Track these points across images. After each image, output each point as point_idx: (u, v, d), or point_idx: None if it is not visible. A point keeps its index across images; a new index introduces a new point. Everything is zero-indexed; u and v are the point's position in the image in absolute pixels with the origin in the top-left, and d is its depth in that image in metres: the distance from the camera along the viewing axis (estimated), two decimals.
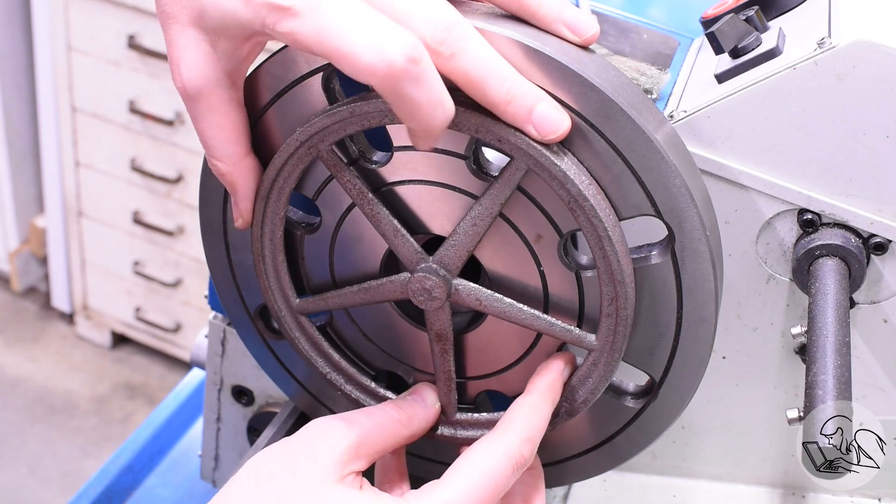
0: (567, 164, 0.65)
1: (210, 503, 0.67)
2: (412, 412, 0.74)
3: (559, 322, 0.71)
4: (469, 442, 0.77)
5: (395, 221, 0.71)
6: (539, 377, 0.72)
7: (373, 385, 0.79)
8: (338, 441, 0.69)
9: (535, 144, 0.64)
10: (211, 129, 0.69)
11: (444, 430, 0.77)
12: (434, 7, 0.61)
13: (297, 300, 0.77)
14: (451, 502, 0.66)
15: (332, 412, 0.83)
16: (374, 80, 0.60)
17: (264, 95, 0.71)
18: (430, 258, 0.71)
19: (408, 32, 0.60)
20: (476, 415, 0.77)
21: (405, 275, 0.72)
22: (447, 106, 0.62)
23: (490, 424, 0.76)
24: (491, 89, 0.62)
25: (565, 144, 0.65)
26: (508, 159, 0.66)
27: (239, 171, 0.71)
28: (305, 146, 0.70)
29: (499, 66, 0.62)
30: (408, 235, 0.71)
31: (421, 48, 0.60)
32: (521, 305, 0.71)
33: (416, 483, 0.79)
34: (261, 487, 0.67)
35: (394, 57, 0.59)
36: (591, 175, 0.66)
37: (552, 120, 0.63)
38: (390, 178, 0.72)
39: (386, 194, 0.73)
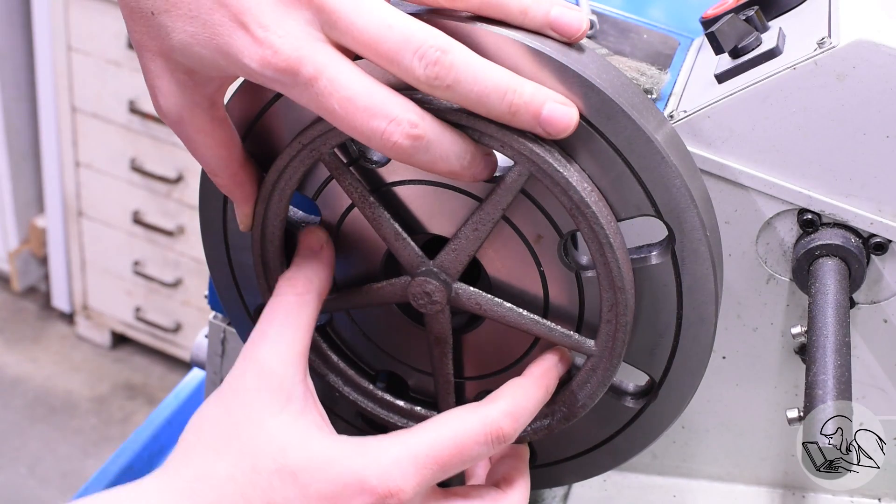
0: (570, 171, 0.65)
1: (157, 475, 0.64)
2: (306, 275, 0.72)
3: (558, 327, 0.71)
4: None
5: (396, 225, 0.71)
6: (535, 364, 0.72)
7: (371, 388, 0.79)
8: (261, 367, 0.66)
9: (538, 151, 0.64)
10: (201, 149, 0.70)
11: None
12: (421, 39, 0.62)
13: None
14: (414, 452, 0.64)
15: (335, 413, 0.83)
16: (385, 154, 0.64)
17: (267, 93, 0.71)
18: (431, 262, 0.71)
19: (403, 103, 0.62)
20: None
21: (405, 278, 0.72)
22: (462, 150, 0.64)
23: None
24: (492, 106, 0.63)
25: (567, 149, 0.65)
26: (509, 159, 0.66)
27: (236, 182, 0.72)
28: (308, 149, 0.70)
29: (495, 81, 0.62)
30: (409, 239, 0.71)
31: (417, 116, 0.62)
32: (520, 310, 0.71)
33: None
34: (202, 440, 0.64)
35: (398, 141, 0.62)
36: (593, 177, 0.66)
37: (559, 119, 0.63)
38: (391, 178, 0.72)
39: (386, 194, 0.73)
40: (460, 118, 0.64)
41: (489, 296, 0.71)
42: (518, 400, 0.69)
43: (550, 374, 0.72)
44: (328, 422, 0.68)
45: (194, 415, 0.67)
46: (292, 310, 0.70)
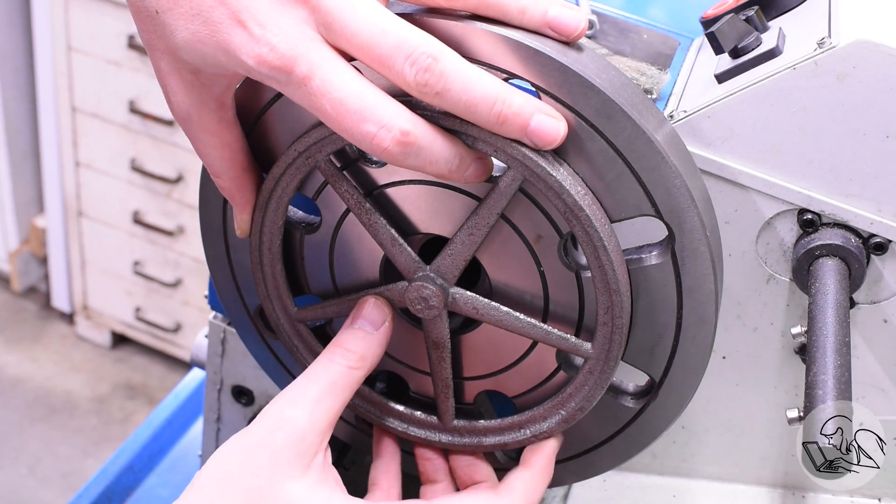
0: (563, 175, 0.65)
1: None
2: (362, 349, 0.72)
3: (556, 330, 0.71)
4: (467, 449, 0.77)
5: (393, 231, 0.71)
6: (537, 454, 0.75)
7: (368, 390, 0.79)
8: (295, 428, 0.68)
9: (531, 155, 0.64)
10: (206, 149, 0.70)
11: (441, 438, 0.77)
12: (413, 46, 0.62)
13: (295, 308, 0.77)
14: None
15: None
16: (375, 156, 0.65)
17: (265, 95, 0.71)
18: (428, 267, 0.71)
19: (395, 108, 0.62)
20: (474, 422, 0.77)
21: (402, 283, 0.72)
22: (452, 155, 0.64)
23: (488, 432, 0.76)
24: (481, 115, 0.63)
25: (562, 152, 0.65)
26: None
27: (237, 186, 0.72)
28: (303, 156, 0.70)
29: (485, 91, 0.63)
30: (405, 245, 0.71)
31: (408, 122, 0.62)
32: (517, 314, 0.71)
33: (409, 481, 0.79)
34: (222, 491, 0.66)
35: (388, 146, 0.62)
36: (590, 179, 0.66)
37: (547, 131, 0.64)
38: (389, 179, 0.72)
39: (385, 195, 0.73)
40: (454, 123, 0.64)
41: (486, 300, 0.71)
42: (531, 496, 0.74)
43: (552, 461, 0.76)
44: (342, 485, 0.70)
45: (215, 457, 0.68)
46: (338, 380, 0.70)
